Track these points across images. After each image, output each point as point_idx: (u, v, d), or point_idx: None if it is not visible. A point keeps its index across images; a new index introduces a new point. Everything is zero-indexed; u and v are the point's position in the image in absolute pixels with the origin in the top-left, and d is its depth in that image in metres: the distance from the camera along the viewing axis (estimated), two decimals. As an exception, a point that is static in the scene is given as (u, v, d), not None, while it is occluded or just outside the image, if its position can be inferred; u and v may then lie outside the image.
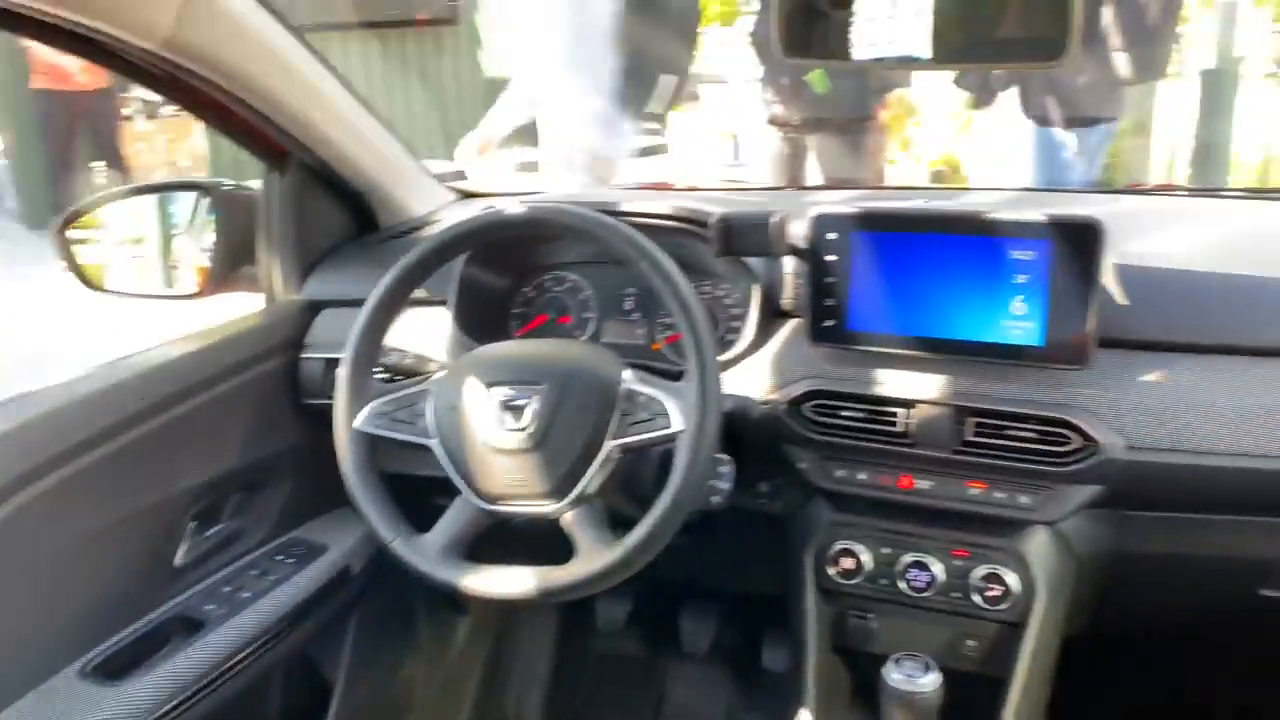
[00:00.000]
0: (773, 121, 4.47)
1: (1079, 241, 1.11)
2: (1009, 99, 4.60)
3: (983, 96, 4.84)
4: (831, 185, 3.98)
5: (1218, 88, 5.83)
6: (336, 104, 1.42)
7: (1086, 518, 1.23)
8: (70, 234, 1.54)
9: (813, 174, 4.60)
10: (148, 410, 1.24)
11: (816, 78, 3.97)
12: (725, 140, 9.21)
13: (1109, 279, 1.19)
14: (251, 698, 1.42)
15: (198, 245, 1.72)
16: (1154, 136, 5.98)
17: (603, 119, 3.58)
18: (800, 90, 4.20)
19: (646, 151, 6.88)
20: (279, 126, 1.37)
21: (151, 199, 1.65)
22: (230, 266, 1.57)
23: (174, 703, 1.20)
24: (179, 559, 1.31)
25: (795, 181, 4.52)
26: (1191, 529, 1.23)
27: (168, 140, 7.83)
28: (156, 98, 7.73)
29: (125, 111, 7.50)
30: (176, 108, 1.41)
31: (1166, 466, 1.14)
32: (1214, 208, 1.61)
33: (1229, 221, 1.46)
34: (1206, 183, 5.75)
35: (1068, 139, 4.22)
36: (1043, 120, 4.20)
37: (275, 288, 1.54)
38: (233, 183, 1.67)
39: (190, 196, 1.77)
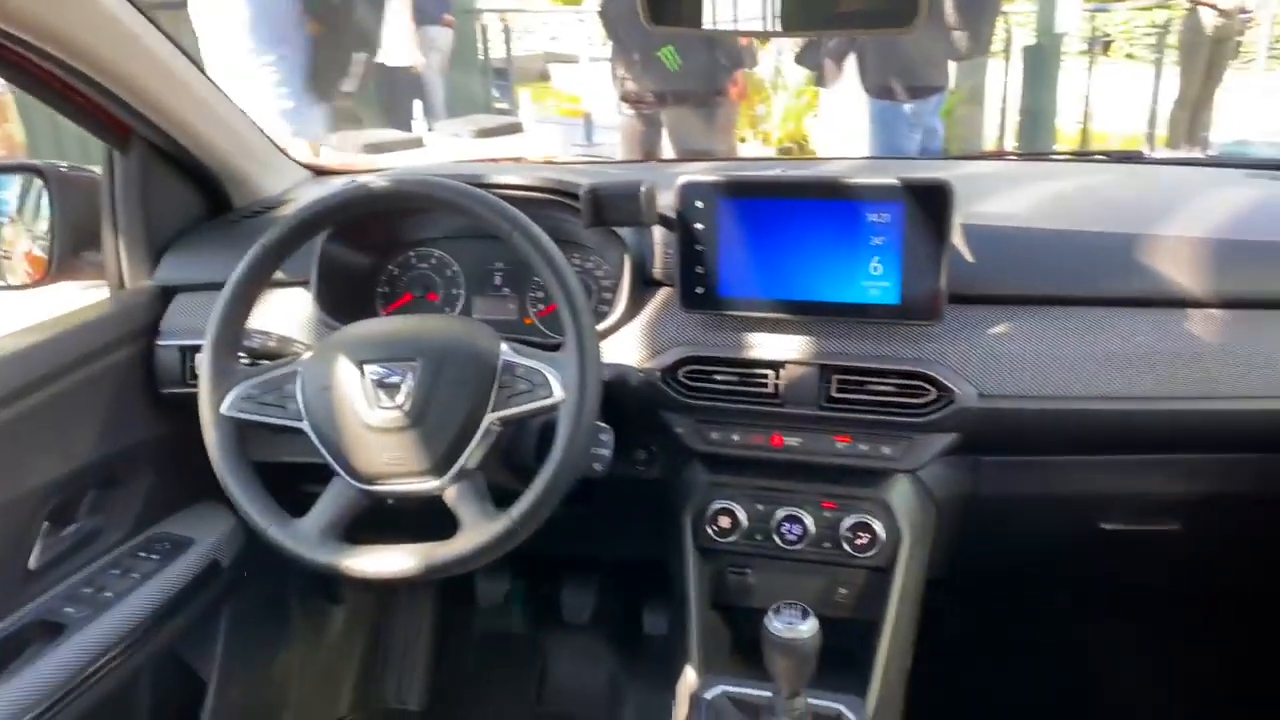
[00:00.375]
0: (625, 98, 4.50)
1: (930, 203, 1.17)
2: (850, 75, 4.76)
3: (824, 72, 4.99)
4: (689, 158, 4.05)
5: (1040, 62, 6.19)
6: (181, 78, 1.35)
7: (944, 465, 1.30)
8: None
9: (666, 152, 4.67)
10: None
11: (667, 54, 4.02)
12: (577, 119, 9.20)
13: (958, 239, 1.26)
14: (120, 701, 1.36)
15: (30, 232, 1.63)
16: (986, 108, 6.33)
17: (292, 98, 3.54)
18: (651, 66, 4.25)
19: (497, 131, 6.82)
20: (120, 102, 1.30)
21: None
22: (72, 253, 1.48)
23: (37, 710, 1.14)
24: (33, 561, 1.24)
25: (649, 159, 4.57)
26: (1040, 470, 1.33)
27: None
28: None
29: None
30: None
31: (1015, 412, 1.22)
32: (1045, 170, 1.72)
33: (1059, 182, 1.57)
34: (1034, 148, 6.12)
35: (905, 110, 4.42)
36: (880, 94, 4.38)
37: (123, 274, 1.47)
38: (67, 164, 1.58)
39: (19, 180, 1.66)
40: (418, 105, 7.26)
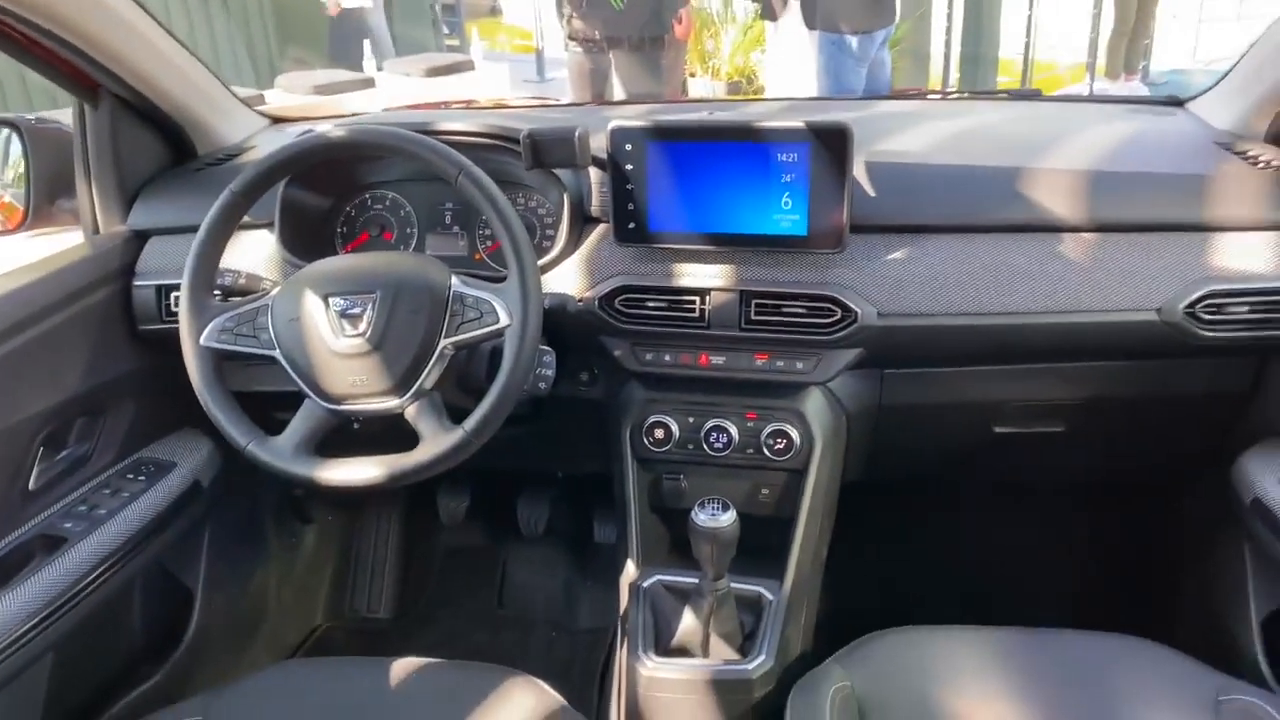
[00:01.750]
0: (572, 36, 4.52)
1: (833, 143, 1.30)
2: (794, 10, 4.83)
3: (769, 7, 5.05)
4: (631, 100, 4.11)
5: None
6: (144, 34, 1.43)
7: (852, 377, 1.45)
8: None
9: (616, 87, 4.71)
10: None
11: (612, -5, 4.06)
12: (528, 55, 9.14)
13: (861, 174, 1.40)
14: (115, 609, 1.50)
15: (2, 181, 1.72)
16: (931, 40, 6.42)
17: None
18: (596, 4, 4.26)
19: (448, 69, 6.79)
20: (88, 58, 1.38)
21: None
22: (47, 200, 1.58)
23: (44, 614, 1.27)
24: (33, 483, 1.36)
25: (598, 96, 4.62)
26: (937, 380, 1.48)
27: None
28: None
29: None
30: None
31: (912, 328, 1.36)
32: (951, 108, 1.85)
33: (961, 120, 1.70)
34: (975, 86, 6.23)
35: (850, 45, 4.49)
36: (824, 29, 4.45)
37: (97, 220, 1.56)
38: (34, 116, 1.66)
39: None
40: (367, 45, 7.20)
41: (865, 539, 1.82)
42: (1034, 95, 1.82)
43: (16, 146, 1.60)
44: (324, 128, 1.32)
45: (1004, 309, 1.34)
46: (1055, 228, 1.36)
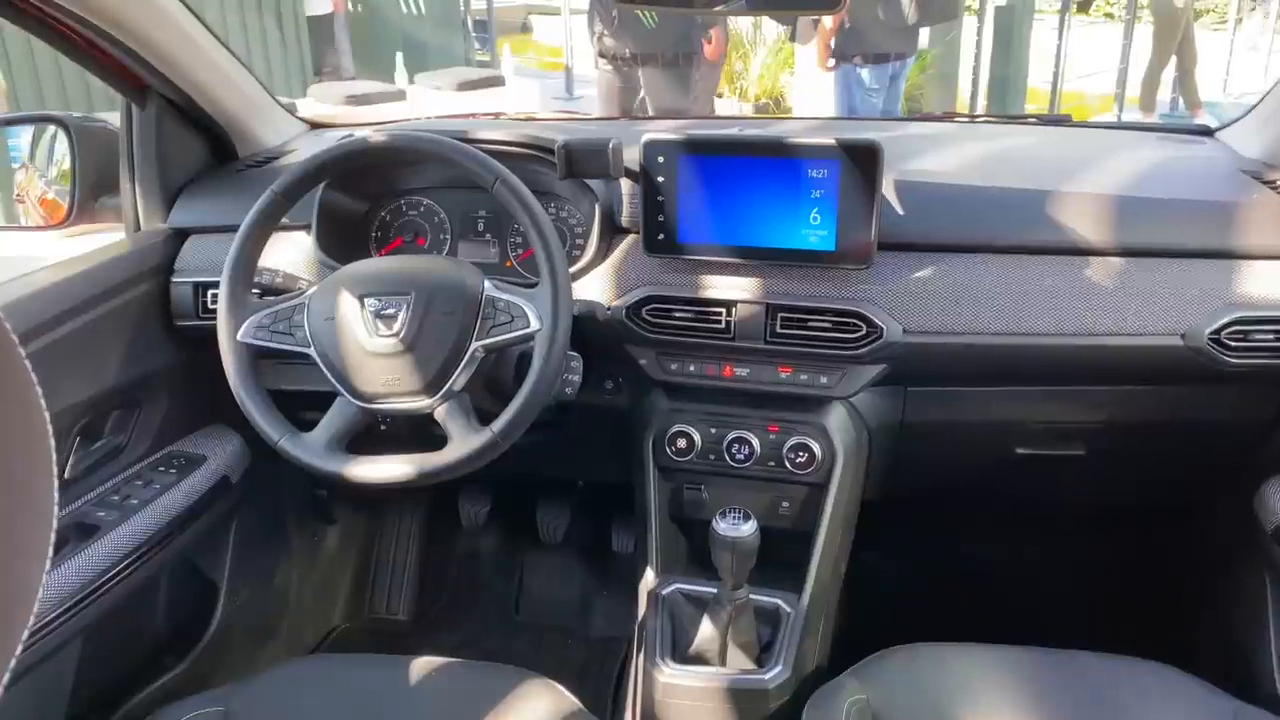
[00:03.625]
0: (603, 54, 4.57)
1: (863, 161, 1.32)
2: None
3: (801, 31, 5.09)
4: (660, 116, 4.15)
5: (1011, 24, 6.29)
6: (193, 38, 1.47)
7: (875, 393, 1.47)
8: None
9: (644, 105, 4.75)
10: (29, 332, 1.30)
11: (645, 13, 4.11)
12: (557, 73, 9.22)
13: (890, 192, 1.41)
14: (142, 598, 1.52)
15: (45, 178, 1.76)
16: (960, 68, 6.43)
17: None
18: (629, 23, 4.31)
19: (478, 84, 6.86)
20: (140, 60, 1.42)
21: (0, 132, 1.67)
22: (91, 198, 1.61)
23: (76, 599, 1.30)
24: (69, 471, 1.39)
25: (626, 113, 4.66)
26: (960, 399, 1.49)
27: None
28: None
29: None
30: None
31: (936, 346, 1.37)
32: (981, 131, 1.86)
33: (991, 143, 1.71)
34: (1004, 111, 6.24)
35: (861, 75, 4.55)
36: (846, 57, 4.51)
37: (139, 217, 1.60)
38: (80, 115, 1.71)
39: (31, 129, 1.79)
40: (399, 57, 7.30)
41: (884, 554, 1.82)
42: (1064, 121, 1.83)
43: (63, 144, 1.64)
44: (364, 132, 1.35)
45: (1029, 330, 1.35)
46: (1082, 251, 1.37)
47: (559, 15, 9.96)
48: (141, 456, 1.53)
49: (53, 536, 0.43)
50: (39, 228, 1.66)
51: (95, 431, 1.46)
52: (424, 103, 6.54)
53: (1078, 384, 1.46)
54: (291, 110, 1.84)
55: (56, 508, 0.43)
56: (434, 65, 7.76)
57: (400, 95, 6.83)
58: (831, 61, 4.49)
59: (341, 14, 8.12)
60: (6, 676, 0.38)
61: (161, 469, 1.53)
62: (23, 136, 1.90)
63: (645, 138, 1.39)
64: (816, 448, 1.45)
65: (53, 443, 0.43)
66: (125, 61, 1.43)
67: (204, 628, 1.68)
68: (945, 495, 1.80)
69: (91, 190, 1.62)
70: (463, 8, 9.20)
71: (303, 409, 1.40)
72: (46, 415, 0.42)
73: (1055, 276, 1.36)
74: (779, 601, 1.41)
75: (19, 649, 0.39)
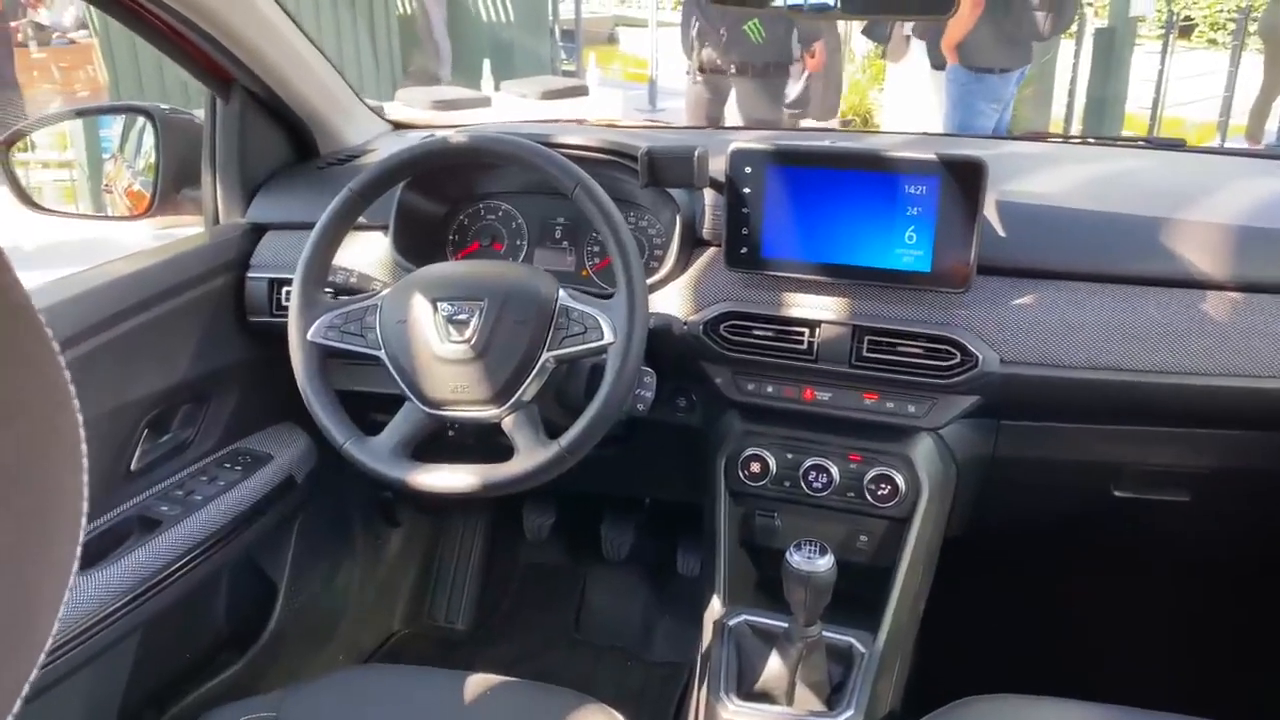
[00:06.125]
0: (701, 67, 4.58)
1: (965, 178, 1.25)
2: (917, 51, 4.77)
3: (893, 47, 5.00)
4: (745, 127, 4.11)
5: (1111, 46, 6.10)
6: (280, 32, 1.46)
7: (966, 425, 1.39)
8: (13, 155, 1.57)
9: (729, 118, 4.73)
10: (106, 320, 1.30)
11: (752, 27, 4.12)
12: (641, 84, 9.23)
13: (991, 213, 1.34)
14: (202, 595, 1.51)
15: (132, 169, 1.77)
16: (1055, 89, 6.25)
17: None
18: (736, 38, 4.33)
19: (562, 93, 6.90)
20: (226, 52, 1.42)
21: (93, 122, 1.68)
22: (173, 190, 1.62)
23: (136, 592, 1.29)
24: (135, 464, 1.38)
25: (713, 124, 4.64)
26: (1057, 436, 1.40)
27: (63, 69, 7.56)
28: (48, 25, 7.47)
29: (19, 39, 7.21)
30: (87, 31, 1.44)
31: (1035, 379, 1.29)
32: (1087, 153, 1.77)
33: (1098, 165, 1.62)
34: (1100, 133, 6.04)
35: (987, 84, 4.41)
36: (973, 66, 4.37)
37: (219, 211, 1.60)
38: (169, 107, 1.71)
39: (122, 120, 1.80)
40: (487, 65, 7.39)
41: (966, 596, 1.73)
42: (1176, 145, 1.73)
43: (150, 136, 1.64)
44: (445, 133, 1.33)
45: (1135, 366, 1.27)
46: (1196, 283, 1.28)
47: (646, 27, 9.99)
48: (208, 452, 1.52)
49: (78, 550, 0.39)
50: (120, 218, 1.66)
51: (164, 425, 1.45)
52: (509, 110, 6.60)
53: (1185, 425, 1.36)
54: (379, 112, 1.83)
55: (85, 519, 0.39)
56: (520, 73, 7.84)
57: (486, 102, 6.90)
58: (952, 69, 4.36)
59: (442, 19, 8.21)
60: (27, 688, 0.35)
61: (228, 465, 1.51)
62: (114, 128, 1.92)
63: (733, 146, 1.33)
64: (900, 480, 1.38)
65: (84, 451, 0.39)
66: (210, 53, 1.42)
67: (261, 628, 1.66)
68: (1033, 535, 1.71)
69: (174, 182, 1.62)
70: (551, 17, 9.28)
71: (374, 410, 1.37)
72: (80, 420, 0.38)
73: (1168, 310, 1.27)
74: (853, 640, 1.34)
75: (39, 661, 0.36)
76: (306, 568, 1.75)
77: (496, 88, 7.44)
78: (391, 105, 6.41)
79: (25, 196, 1.59)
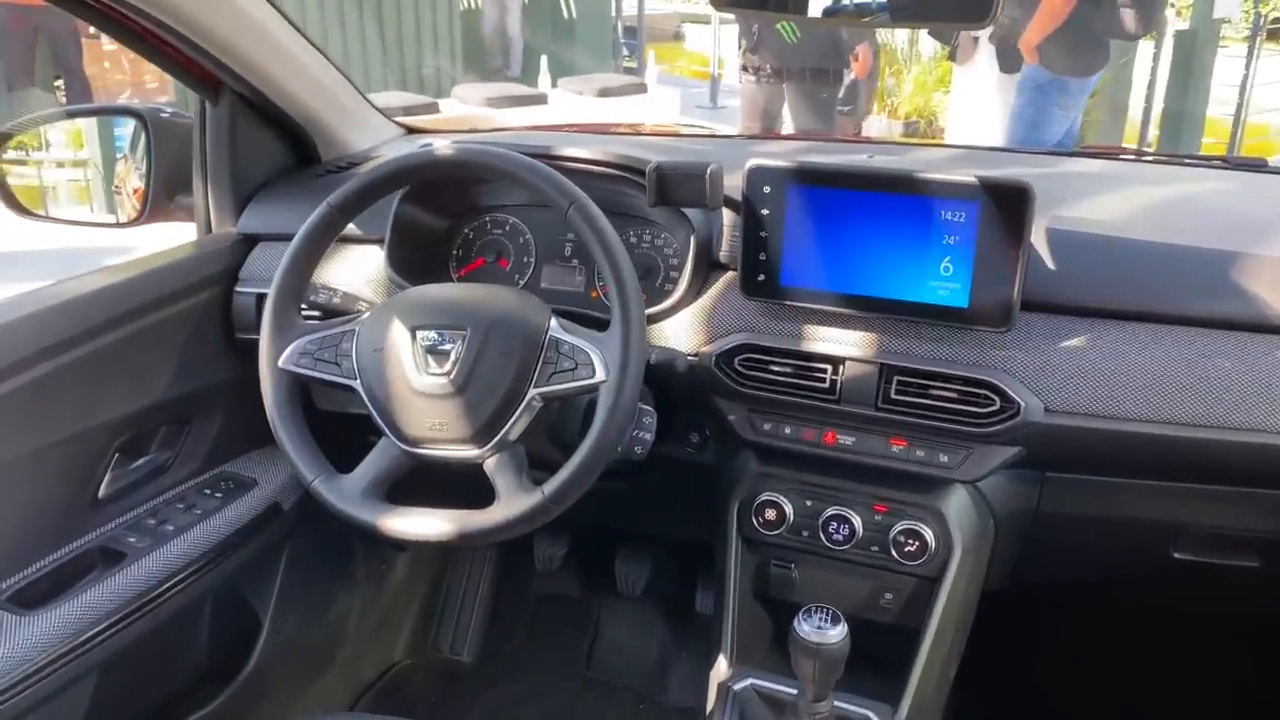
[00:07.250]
0: (745, 66, 4.46)
1: (1008, 204, 1.11)
2: (986, 53, 4.57)
3: (960, 49, 4.80)
4: (794, 136, 3.97)
5: (1192, 50, 5.80)
6: (268, 34, 1.37)
7: (1006, 477, 1.24)
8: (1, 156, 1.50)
9: (787, 119, 4.60)
10: (72, 339, 1.22)
11: (785, 26, 3.96)
12: (704, 81, 9.11)
13: (1040, 242, 1.20)
14: (179, 628, 1.42)
15: (139, 171, 1.69)
16: (1131, 96, 5.98)
17: None
18: (769, 37, 4.18)
19: (619, 91, 6.82)
20: (209, 55, 1.33)
21: (89, 123, 1.61)
22: (167, 196, 1.53)
23: (93, 631, 1.20)
24: (103, 490, 1.30)
25: (769, 128, 4.51)
26: (1109, 492, 1.26)
27: (133, 61, 7.66)
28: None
29: (90, 30, 7.33)
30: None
31: (1085, 431, 1.15)
32: (1153, 173, 1.61)
33: (1165, 188, 1.47)
34: (1177, 147, 5.76)
35: (1065, 88, 4.19)
36: (1052, 65, 4.15)
37: (210, 220, 1.51)
38: (169, 110, 1.63)
39: (134, 121, 1.73)
40: (544, 60, 7.35)
41: (1002, 658, 1.58)
42: (1258, 165, 1.55)
43: (144, 139, 1.57)
44: (440, 144, 1.22)
45: (1199, 420, 1.13)
46: (1273, 329, 1.13)
47: (709, 24, 9.86)
48: (187, 477, 1.43)
49: None
50: (109, 225, 1.59)
51: (140, 448, 1.37)
52: (565, 108, 6.54)
53: (1256, 486, 1.20)
54: (431, 110, 1.73)
55: None
56: (581, 70, 7.78)
57: (541, 99, 6.85)
58: (1028, 70, 4.13)
59: (518, 16, 8.16)
60: None
61: (207, 492, 1.43)
62: (128, 126, 1.86)
63: (750, 163, 1.21)
64: (930, 536, 1.24)
65: None
66: (193, 56, 1.33)
67: (244, 662, 1.57)
68: (1081, 594, 1.55)
69: (167, 188, 1.54)
70: (614, 13, 9.19)
71: (370, 432, 1.27)
72: None
73: (1236, 357, 1.13)
74: (870, 714, 1.20)
75: None
76: (297, 597, 1.65)
77: (554, 85, 7.39)
78: (446, 102, 6.39)
79: (12, 200, 1.52)
